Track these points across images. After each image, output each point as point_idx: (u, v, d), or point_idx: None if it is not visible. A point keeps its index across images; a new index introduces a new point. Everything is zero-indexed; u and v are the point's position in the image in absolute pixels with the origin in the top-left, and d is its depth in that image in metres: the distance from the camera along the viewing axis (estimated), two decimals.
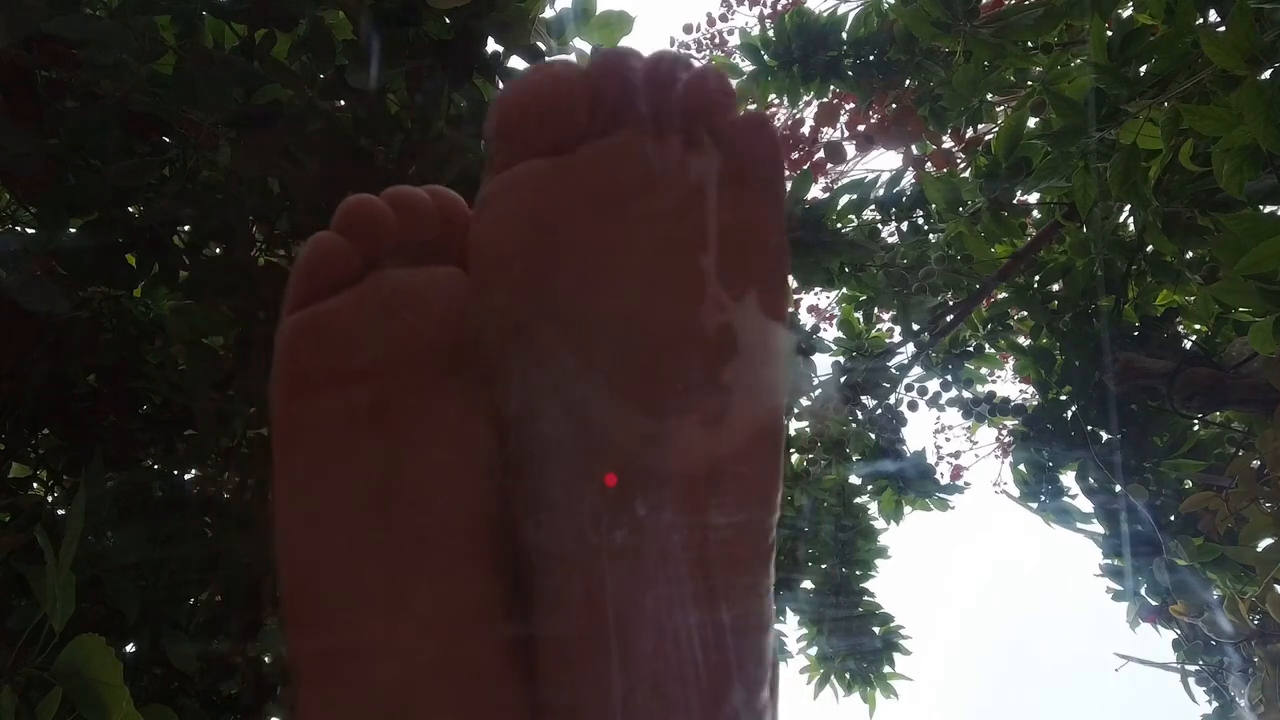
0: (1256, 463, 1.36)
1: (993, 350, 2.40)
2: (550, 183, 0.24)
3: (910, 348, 2.34)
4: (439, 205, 0.27)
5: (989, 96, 1.92)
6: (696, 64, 0.25)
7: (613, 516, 0.23)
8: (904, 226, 2.08)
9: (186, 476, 1.00)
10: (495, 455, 0.24)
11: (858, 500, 2.35)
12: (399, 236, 0.26)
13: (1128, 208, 1.65)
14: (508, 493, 0.24)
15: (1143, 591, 1.83)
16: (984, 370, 2.45)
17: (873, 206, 2.07)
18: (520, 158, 0.25)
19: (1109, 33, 1.24)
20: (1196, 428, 1.84)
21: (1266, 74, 0.95)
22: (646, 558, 0.23)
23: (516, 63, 0.93)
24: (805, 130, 3.14)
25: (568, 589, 0.23)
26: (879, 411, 2.31)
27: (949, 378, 2.40)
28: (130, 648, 0.82)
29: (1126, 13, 1.41)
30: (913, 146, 2.37)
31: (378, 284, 0.25)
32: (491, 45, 0.91)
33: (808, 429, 2.24)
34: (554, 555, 0.23)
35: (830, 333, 2.71)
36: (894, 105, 2.29)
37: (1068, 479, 2.12)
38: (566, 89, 0.25)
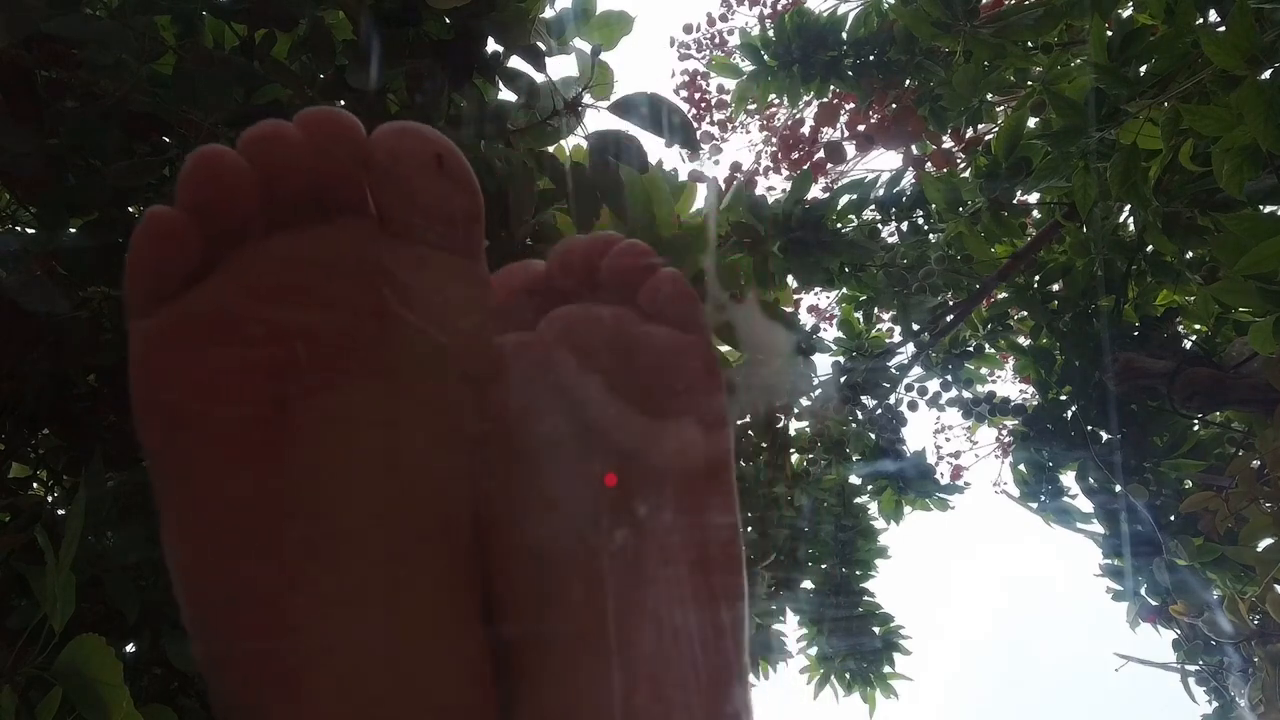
0: (1256, 463, 1.36)
1: (993, 350, 2.40)
2: (537, 347, 0.26)
3: (910, 348, 2.34)
4: (312, 132, 0.22)
5: (989, 96, 1.92)
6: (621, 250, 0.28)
7: (607, 520, 0.23)
8: (904, 226, 2.08)
9: None
10: (423, 444, 0.23)
11: (858, 500, 2.35)
12: (261, 190, 0.21)
13: (1128, 208, 1.65)
14: (463, 494, 0.23)
15: (1143, 591, 1.83)
16: (984, 370, 2.45)
17: (873, 206, 2.07)
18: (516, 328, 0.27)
19: (1109, 33, 1.24)
20: (1196, 428, 1.84)
21: (1266, 74, 0.95)
22: (632, 562, 0.23)
23: (517, 63, 0.93)
24: (805, 130, 3.14)
25: (561, 590, 0.23)
26: (879, 411, 2.31)
27: (949, 378, 2.40)
28: (130, 648, 0.82)
29: (1126, 13, 1.41)
30: (913, 146, 2.37)
31: (246, 265, 0.21)
32: (491, 45, 0.91)
33: (808, 429, 2.24)
34: (549, 557, 0.23)
35: (830, 333, 2.71)
36: (894, 105, 2.29)
37: (1068, 479, 2.13)
38: (532, 282, 0.28)
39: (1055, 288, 2.07)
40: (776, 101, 2.75)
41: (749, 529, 2.19)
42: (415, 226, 0.24)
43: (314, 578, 0.21)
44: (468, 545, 0.23)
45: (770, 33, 2.24)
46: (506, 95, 0.96)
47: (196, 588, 0.21)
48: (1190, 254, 1.57)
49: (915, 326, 2.19)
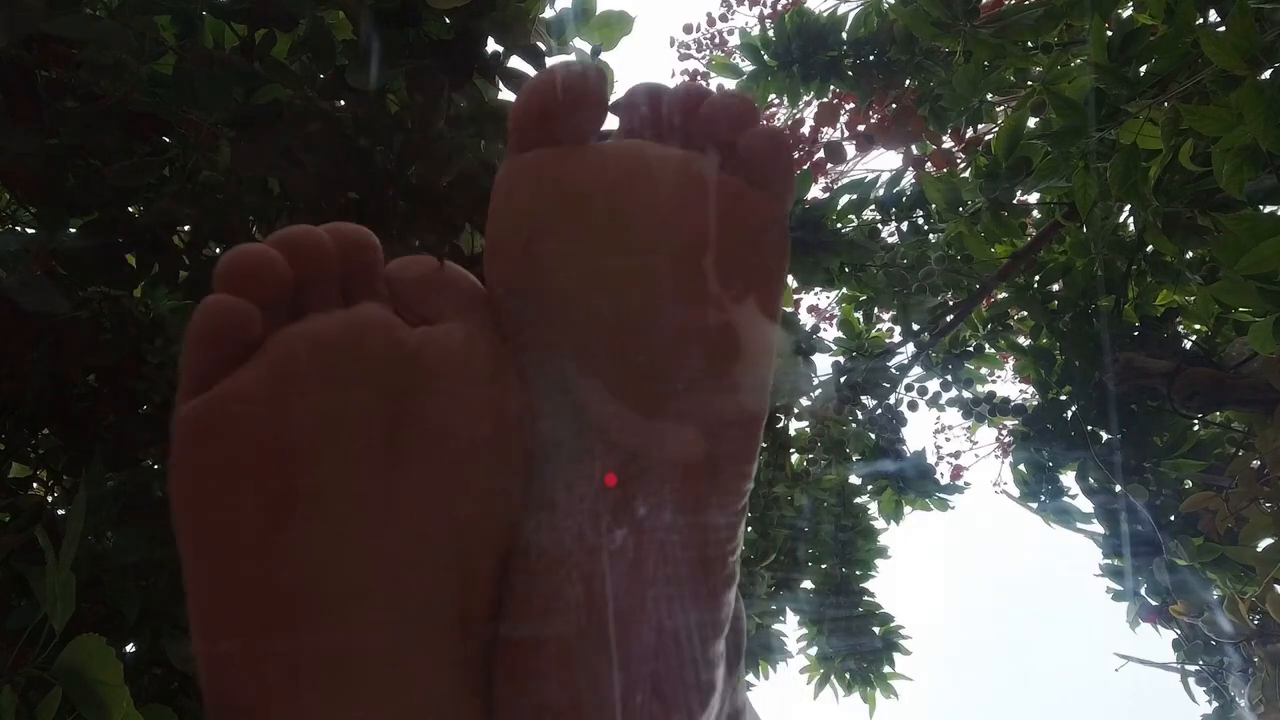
0: (1256, 463, 1.36)
1: (993, 350, 2.40)
2: (562, 167, 0.25)
3: (910, 348, 2.34)
4: (337, 239, 0.24)
5: (989, 96, 1.92)
6: (726, 94, 0.27)
7: (613, 514, 0.23)
8: (904, 226, 2.08)
9: None
10: (456, 529, 0.23)
11: (858, 500, 2.35)
12: (295, 283, 0.23)
13: (1128, 208, 1.65)
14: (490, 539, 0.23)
15: (1143, 591, 1.83)
16: (984, 370, 2.45)
17: (873, 206, 2.07)
18: (538, 144, 0.26)
19: (1109, 33, 1.24)
20: (1196, 428, 1.84)
21: (1266, 74, 0.95)
22: (640, 553, 0.23)
23: (516, 63, 0.93)
24: (805, 130, 3.14)
25: (567, 589, 0.23)
26: (879, 411, 2.31)
27: (949, 378, 2.40)
28: (130, 648, 0.82)
29: (1126, 13, 1.41)
30: (913, 146, 2.37)
31: (284, 346, 0.22)
32: (491, 45, 0.91)
33: (808, 429, 2.24)
34: (554, 555, 0.23)
35: (830, 333, 2.71)
36: (894, 105, 2.29)
37: (1068, 479, 2.12)
38: (593, 88, 0.26)
39: (1055, 288, 2.07)
40: (776, 101, 2.75)
41: (749, 529, 2.19)
42: (428, 307, 0.25)
43: (321, 672, 0.21)
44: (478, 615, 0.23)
45: (770, 33, 2.24)
46: (506, 95, 0.96)
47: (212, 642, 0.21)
48: (1190, 254, 1.57)
49: (915, 326, 2.19)
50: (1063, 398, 2.06)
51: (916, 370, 2.40)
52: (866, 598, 2.26)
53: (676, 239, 0.24)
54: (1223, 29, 1.04)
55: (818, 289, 2.73)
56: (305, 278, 0.23)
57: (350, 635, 0.21)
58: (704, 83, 3.32)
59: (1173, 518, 1.76)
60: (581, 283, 0.24)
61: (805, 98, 2.41)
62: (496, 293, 0.26)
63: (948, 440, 3.79)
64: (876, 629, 2.23)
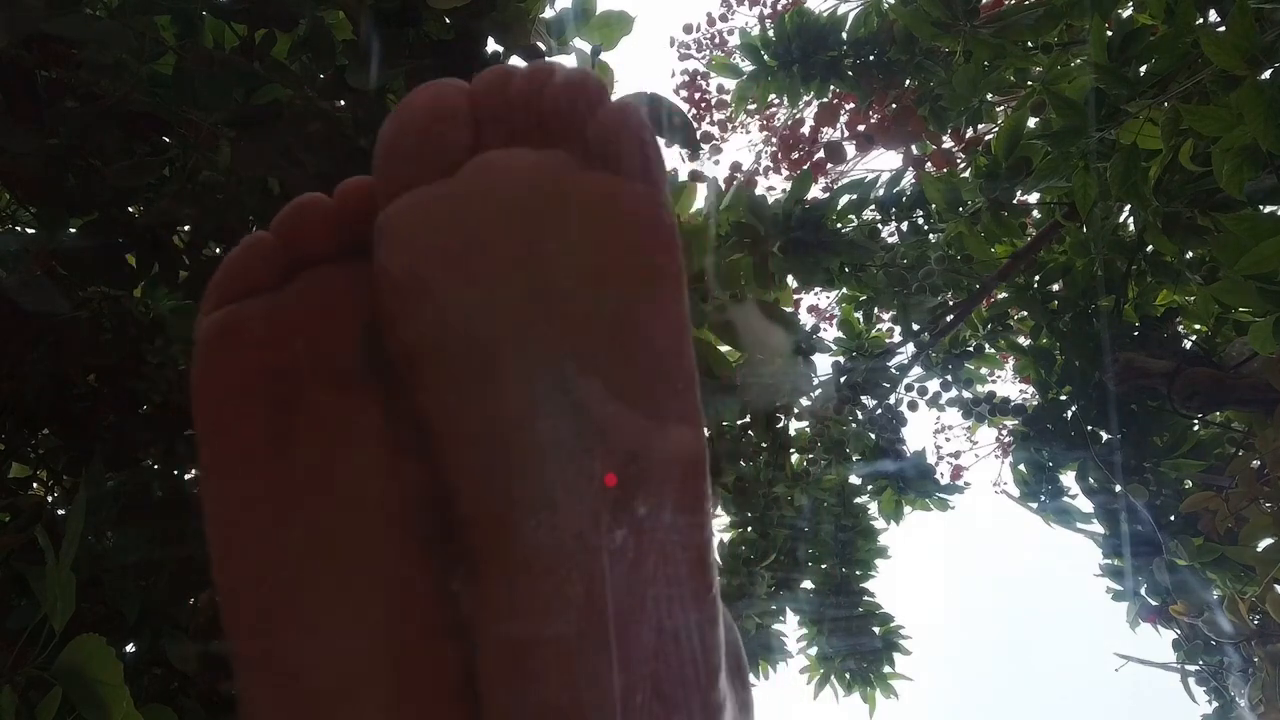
0: (1256, 463, 1.36)
1: (993, 350, 2.40)
2: (438, 207, 0.24)
3: (910, 348, 2.34)
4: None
5: (989, 96, 1.92)
6: (565, 68, 0.25)
7: (613, 514, 0.23)
8: (904, 226, 2.08)
9: (186, 476, 1.00)
10: (417, 456, 0.24)
11: (858, 500, 2.35)
12: (340, 235, 0.25)
13: (1128, 208, 1.65)
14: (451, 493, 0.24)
15: (1143, 591, 1.83)
16: (984, 370, 2.45)
17: (873, 206, 2.07)
18: (406, 184, 0.24)
19: (1109, 33, 1.24)
20: (1196, 428, 1.84)
21: (1266, 74, 0.95)
22: (640, 552, 0.23)
23: (516, 63, 0.93)
24: (805, 130, 3.15)
25: (567, 589, 0.23)
26: (879, 411, 2.31)
27: (949, 378, 2.40)
28: (130, 648, 0.82)
29: (1126, 13, 1.41)
30: (913, 146, 2.37)
31: (305, 284, 0.25)
32: (491, 45, 0.91)
33: (808, 429, 2.24)
34: (554, 555, 0.23)
35: (830, 333, 2.71)
36: (894, 105, 2.29)
37: (1068, 479, 2.13)
38: (446, 109, 0.25)
39: (1055, 288, 2.08)
40: (776, 101, 2.76)
41: (749, 529, 2.19)
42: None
43: (328, 577, 0.23)
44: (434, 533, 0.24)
45: (770, 33, 2.24)
46: None
47: (240, 584, 0.23)
48: (1190, 254, 1.57)
49: (915, 326, 2.19)
50: (1063, 398, 2.06)
51: (916, 370, 2.40)
52: (866, 598, 2.26)
53: (547, 266, 0.23)
54: (1223, 29, 1.04)
55: (818, 289, 2.73)
56: (353, 230, 0.25)
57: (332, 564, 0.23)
58: (703, 83, 3.33)
59: (1173, 518, 1.76)
60: (486, 328, 0.24)
61: (805, 98, 2.42)
62: (402, 355, 0.25)
63: (948, 440, 3.78)
64: (876, 629, 2.23)
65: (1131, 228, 1.80)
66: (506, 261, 0.23)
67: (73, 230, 0.81)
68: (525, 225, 0.23)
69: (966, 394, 2.41)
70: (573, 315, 0.23)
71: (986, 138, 2.20)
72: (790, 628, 2.34)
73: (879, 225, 2.09)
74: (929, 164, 2.40)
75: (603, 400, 0.23)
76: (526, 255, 0.23)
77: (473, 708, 0.23)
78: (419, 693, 0.23)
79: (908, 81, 2.15)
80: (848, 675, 2.26)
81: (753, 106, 2.49)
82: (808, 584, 2.30)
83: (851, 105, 2.55)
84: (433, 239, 0.23)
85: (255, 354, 0.24)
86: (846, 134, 2.68)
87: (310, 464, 0.23)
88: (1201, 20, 1.22)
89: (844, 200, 2.00)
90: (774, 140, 3.28)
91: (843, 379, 2.20)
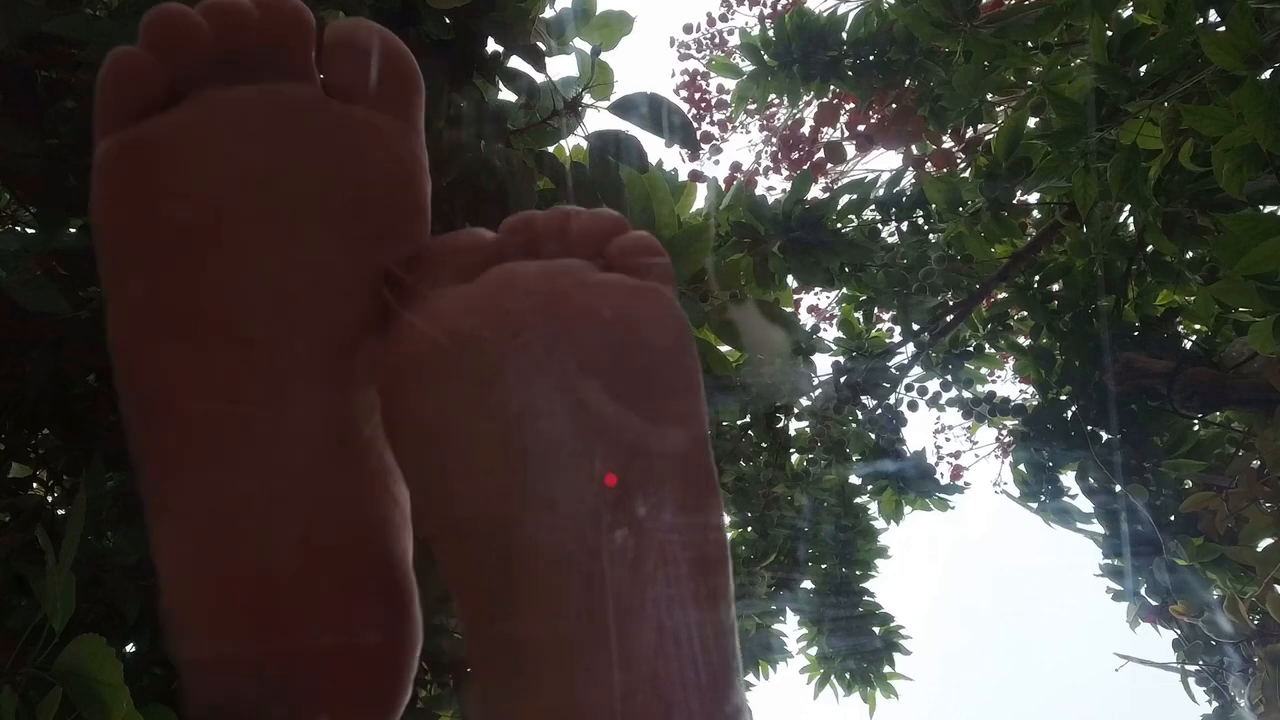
0: (1256, 463, 1.36)
1: (993, 350, 2.40)
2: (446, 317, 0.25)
3: (910, 348, 2.34)
4: (264, 8, 0.25)
5: (989, 96, 1.92)
6: (592, 213, 0.27)
7: (613, 514, 0.23)
8: (904, 226, 2.08)
9: None
10: (346, 276, 0.25)
11: (858, 500, 2.35)
12: (217, 47, 0.24)
13: (1128, 208, 1.65)
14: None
15: (1143, 591, 1.83)
16: (984, 370, 2.46)
17: (873, 206, 2.07)
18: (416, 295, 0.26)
19: (1109, 33, 1.24)
20: (1196, 428, 1.84)
21: (1266, 74, 0.95)
22: (640, 552, 0.23)
23: (517, 63, 0.93)
24: (805, 130, 3.15)
25: (567, 589, 0.23)
26: (879, 411, 2.31)
27: (949, 378, 2.40)
28: (130, 648, 0.82)
29: (1126, 13, 1.41)
30: (913, 146, 2.37)
31: (205, 101, 0.24)
32: (491, 45, 0.91)
33: (808, 429, 2.24)
34: (552, 555, 0.23)
35: (830, 333, 2.71)
36: (894, 105, 2.29)
37: (1068, 479, 2.12)
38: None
39: (1055, 288, 2.07)
40: (776, 101, 2.76)
41: (749, 529, 2.19)
42: (357, 90, 0.26)
43: (243, 394, 0.23)
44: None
45: (770, 33, 2.24)
46: (506, 95, 0.96)
47: (150, 408, 0.23)
48: (1190, 254, 1.57)
49: (915, 326, 2.19)
50: (1063, 398, 2.06)
51: (916, 370, 2.40)
52: (866, 598, 2.26)
53: (587, 360, 0.24)
54: (1223, 29, 1.04)
55: (818, 289, 2.73)
56: (230, 44, 0.24)
57: (247, 356, 0.23)
58: (703, 83, 3.33)
59: (1173, 518, 1.76)
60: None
61: (805, 98, 2.42)
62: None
63: (948, 440, 3.78)
64: (876, 629, 2.23)
65: (1131, 228, 1.80)
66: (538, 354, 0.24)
67: (73, 230, 0.81)
68: (557, 321, 0.24)
69: (966, 394, 2.41)
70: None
71: (986, 138, 2.20)
72: (790, 628, 2.34)
73: (879, 225, 2.09)
74: (929, 164, 2.40)
75: (603, 400, 0.23)
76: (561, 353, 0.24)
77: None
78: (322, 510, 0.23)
79: (908, 81, 2.15)
80: (848, 675, 2.26)
81: (753, 106, 2.49)
82: (808, 584, 2.30)
83: (851, 105, 2.55)
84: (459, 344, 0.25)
85: (162, 176, 0.23)
86: (846, 134, 2.68)
87: (231, 284, 0.23)
88: (1201, 20, 1.22)
89: (844, 200, 2.00)
90: (774, 140, 3.28)
91: (843, 379, 2.20)
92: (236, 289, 0.24)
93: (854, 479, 2.35)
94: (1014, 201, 1.82)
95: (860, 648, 2.23)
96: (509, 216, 0.27)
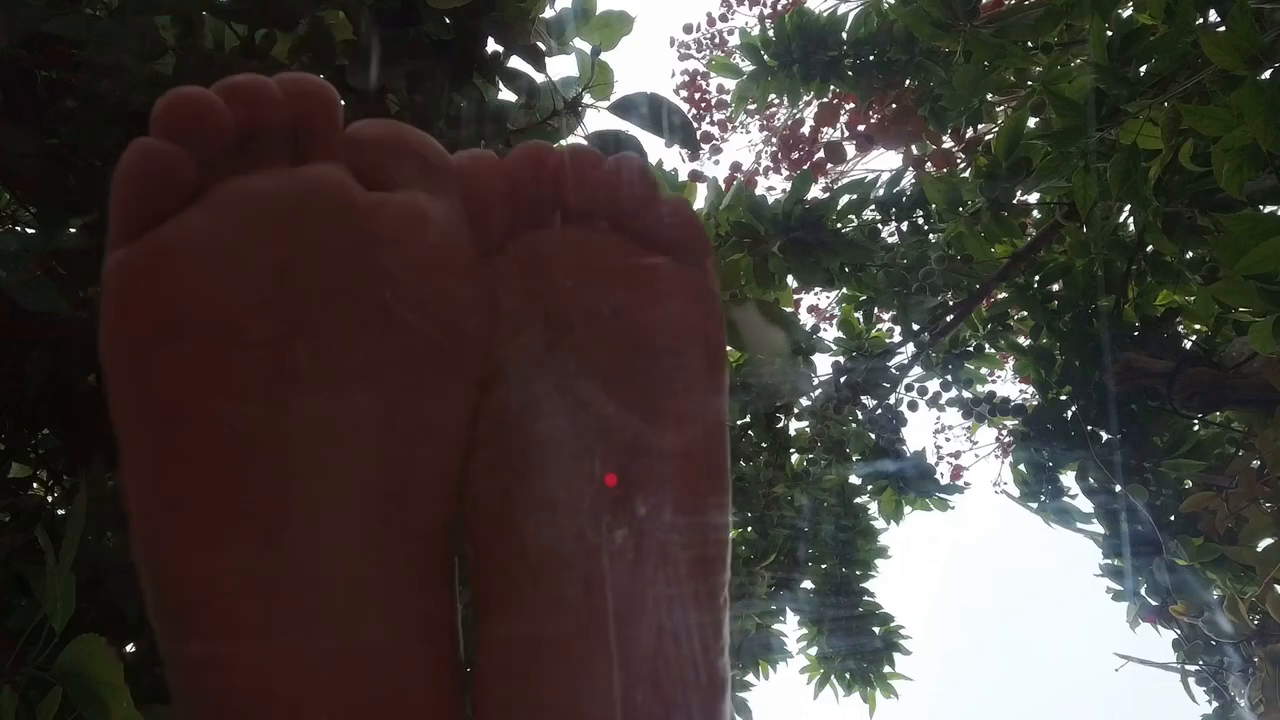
0: (1256, 463, 1.36)
1: (993, 350, 2.40)
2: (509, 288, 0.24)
3: (910, 348, 2.34)
4: (287, 89, 0.22)
5: (989, 96, 1.92)
6: (613, 158, 0.25)
7: (613, 514, 0.23)
8: (904, 226, 2.08)
9: None
10: (414, 409, 0.22)
11: (858, 500, 2.35)
12: (239, 133, 0.21)
13: (1128, 208, 1.65)
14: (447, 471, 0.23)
15: (1143, 591, 1.83)
16: (984, 370, 2.45)
17: (873, 206, 2.07)
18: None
19: (1109, 33, 1.24)
20: (1196, 428, 1.84)
21: (1266, 74, 0.95)
22: (640, 552, 0.23)
23: (517, 63, 0.93)
24: (805, 130, 3.14)
25: (568, 589, 0.23)
26: (879, 411, 2.31)
27: (949, 378, 2.40)
28: (130, 648, 0.82)
29: (1126, 13, 1.41)
30: (913, 146, 2.37)
31: (229, 194, 0.21)
32: (491, 45, 0.91)
33: (808, 429, 2.24)
34: (552, 555, 0.23)
35: (830, 333, 2.71)
36: (894, 105, 2.29)
37: (1068, 479, 2.12)
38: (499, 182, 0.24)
39: (1055, 288, 2.07)
40: (776, 101, 2.75)
41: (749, 529, 2.19)
42: (387, 171, 0.23)
43: (279, 563, 0.20)
44: (441, 546, 0.23)
45: (770, 33, 2.24)
46: (507, 95, 0.96)
47: (176, 575, 0.20)
48: (1190, 254, 1.57)
49: (915, 326, 2.19)
50: (1063, 398, 2.06)
51: (916, 370, 2.40)
52: (866, 598, 2.26)
53: (629, 343, 0.23)
54: (1223, 29, 1.04)
55: (818, 289, 2.73)
56: (251, 128, 0.22)
57: (303, 522, 0.20)
58: (703, 83, 3.32)
59: (1173, 518, 1.76)
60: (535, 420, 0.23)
61: (805, 98, 2.42)
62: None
63: (948, 440, 3.78)
64: (876, 629, 2.23)
65: (1131, 228, 1.80)
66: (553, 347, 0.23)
67: (73, 230, 0.81)
68: (580, 306, 0.24)
69: (966, 394, 2.41)
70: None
71: (986, 138, 2.20)
72: (790, 628, 2.34)
73: (879, 225, 2.09)
74: (929, 164, 2.40)
75: (604, 400, 0.23)
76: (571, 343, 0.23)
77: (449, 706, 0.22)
78: (388, 700, 0.20)
79: (908, 81, 2.15)
80: (848, 675, 2.26)
81: (753, 106, 2.49)
82: (808, 584, 2.29)
83: (851, 105, 2.55)
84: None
85: (188, 291, 0.20)
86: (846, 134, 2.68)
87: (251, 427, 0.20)
88: (1201, 20, 1.22)
89: (844, 200, 2.00)
90: (774, 140, 3.28)
91: (843, 379, 2.20)
92: (292, 436, 0.20)
93: (854, 479, 2.35)
94: (1014, 201, 1.82)
95: (860, 648, 2.23)
96: (520, 146, 0.25)
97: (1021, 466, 2.19)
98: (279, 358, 0.20)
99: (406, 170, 0.24)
